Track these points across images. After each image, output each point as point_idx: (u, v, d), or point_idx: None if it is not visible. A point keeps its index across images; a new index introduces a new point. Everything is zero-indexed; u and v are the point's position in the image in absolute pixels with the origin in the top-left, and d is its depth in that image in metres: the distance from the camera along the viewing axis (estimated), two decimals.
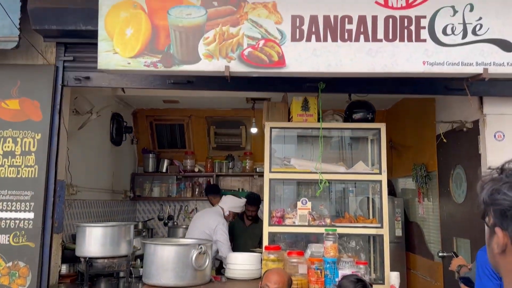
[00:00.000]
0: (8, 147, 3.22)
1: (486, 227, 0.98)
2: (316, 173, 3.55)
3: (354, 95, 3.71)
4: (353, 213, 3.89)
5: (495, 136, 3.37)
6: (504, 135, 3.36)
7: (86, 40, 3.21)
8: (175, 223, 6.51)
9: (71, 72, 3.35)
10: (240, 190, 6.62)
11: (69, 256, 3.61)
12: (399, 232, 5.09)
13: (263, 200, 5.73)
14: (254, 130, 6.05)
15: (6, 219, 3.17)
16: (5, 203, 3.18)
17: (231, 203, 4.66)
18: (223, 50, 2.83)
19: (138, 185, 6.49)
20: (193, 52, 2.85)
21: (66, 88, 3.38)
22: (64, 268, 3.53)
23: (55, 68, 3.32)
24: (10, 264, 3.15)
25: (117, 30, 2.83)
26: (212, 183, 6.53)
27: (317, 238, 3.60)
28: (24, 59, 3.35)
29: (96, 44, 2.91)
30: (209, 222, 4.44)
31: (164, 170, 6.55)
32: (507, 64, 2.79)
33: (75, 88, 3.50)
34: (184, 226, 5.93)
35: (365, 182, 3.79)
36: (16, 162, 3.21)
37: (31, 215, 3.18)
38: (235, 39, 2.83)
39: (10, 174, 3.20)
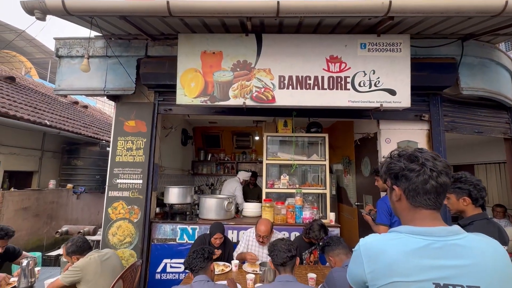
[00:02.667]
0: (129, 145, 3.22)
1: (387, 187, 0.92)
2: (291, 160, 3.53)
3: (311, 119, 3.69)
4: (310, 181, 3.85)
5: (385, 140, 3.34)
6: (390, 140, 3.33)
7: (169, 89, 3.20)
8: (214, 187, 6.44)
9: (162, 106, 3.34)
10: (250, 170, 6.52)
11: (160, 203, 3.60)
12: (334, 192, 5.06)
13: (259, 175, 5.77)
14: (257, 137, 6.05)
15: (127, 183, 3.17)
16: (127, 174, 3.18)
17: (243, 175, 4.62)
18: (242, 93, 2.80)
19: (195, 167, 6.41)
20: (226, 94, 2.81)
21: (159, 115, 3.37)
22: (157, 209, 3.52)
23: (153, 104, 3.32)
24: (129, 207, 3.14)
25: (186, 84, 2.81)
26: (234, 166, 6.51)
27: (290, 195, 3.58)
28: (137, 99, 3.35)
29: (174, 91, 2.88)
30: (231, 185, 4.41)
31: (209, 159, 6.49)
32: (392, 102, 2.74)
33: (163, 115, 3.49)
34: (218, 189, 5.88)
35: (317, 165, 3.74)
36: (133, 153, 3.20)
37: (140, 181, 3.17)
38: (248, 88, 2.80)
39: (129, 159, 3.20)
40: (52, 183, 5.40)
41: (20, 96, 5.63)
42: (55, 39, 3.29)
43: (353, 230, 4.31)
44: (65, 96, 7.81)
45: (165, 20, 2.68)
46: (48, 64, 12.86)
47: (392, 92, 2.73)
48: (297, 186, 3.53)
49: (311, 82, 2.73)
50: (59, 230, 3.34)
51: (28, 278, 2.25)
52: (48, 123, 4.99)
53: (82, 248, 2.21)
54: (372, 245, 0.78)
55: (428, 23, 2.67)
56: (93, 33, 3.07)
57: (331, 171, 5.45)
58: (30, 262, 2.28)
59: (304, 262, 2.67)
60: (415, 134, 3.27)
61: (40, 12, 2.31)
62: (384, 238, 0.79)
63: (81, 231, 3.38)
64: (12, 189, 4.74)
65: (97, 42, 3.23)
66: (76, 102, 8.38)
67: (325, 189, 3.47)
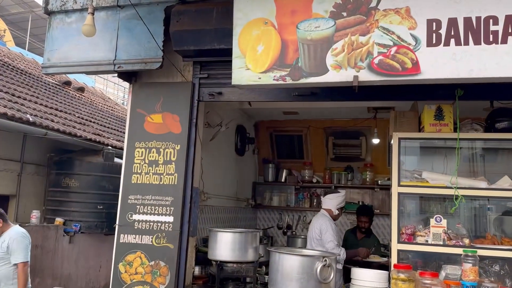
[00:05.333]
0: (153, 156, 3.59)
1: None
2: (451, 188, 3.31)
3: (496, 102, 3.41)
4: (494, 232, 3.53)
5: None
6: None
7: (219, 58, 3.44)
8: (294, 232, 6.55)
9: (206, 88, 3.61)
10: (360, 203, 6.44)
11: (201, 258, 3.86)
12: None
13: (380, 213, 5.56)
14: (376, 140, 5.90)
15: (150, 221, 3.53)
16: (149, 207, 3.55)
17: (334, 201, 4.56)
18: (352, 59, 2.79)
19: (258, 194, 6.71)
20: (321, 64, 2.84)
21: (201, 103, 3.65)
22: (197, 270, 3.78)
23: (192, 85, 3.62)
24: (152, 263, 3.48)
25: (249, 47, 2.95)
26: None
27: (448, 259, 3.34)
28: (166, 77, 3.71)
29: (227, 62, 3.08)
30: (313, 225, 4.48)
31: (283, 180, 6.69)
32: None
33: (208, 103, 3.75)
34: (302, 236, 5.98)
35: (510, 199, 3.41)
36: (159, 170, 3.56)
37: (170, 218, 3.48)
38: (365, 48, 2.77)
39: (154, 181, 3.56)
40: (35, 215, 6.40)
41: None
42: None
43: None
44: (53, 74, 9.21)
45: None
46: (28, 22, 15.35)
47: None
48: (466, 241, 3.30)
49: (499, 28, 2.55)
50: None
51: None
52: (30, 119, 5.97)
53: None
54: None
55: None
56: None
57: None
58: None
59: None
60: None
61: None
62: None
63: None
64: None
65: None
66: (68, 83, 9.80)
67: None
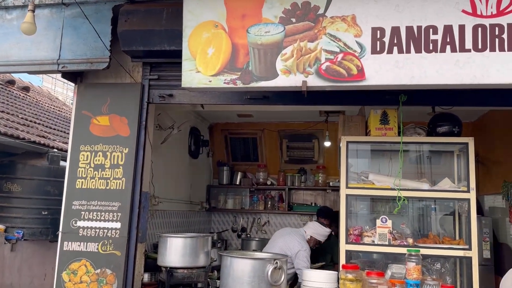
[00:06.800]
0: (99, 160, 3.51)
1: None
2: (395, 189, 3.43)
3: (437, 107, 3.56)
4: (436, 232, 3.71)
5: None
6: None
7: (170, 60, 3.41)
8: (248, 235, 6.58)
9: (156, 90, 3.57)
10: (313, 204, 6.57)
11: (150, 265, 3.79)
12: (487, 254, 4.79)
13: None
14: (327, 143, 6.01)
15: (95, 228, 3.44)
16: (95, 213, 3.46)
17: (316, 230, 4.53)
18: (301, 65, 2.84)
19: (213, 197, 6.68)
20: (271, 68, 2.87)
21: (151, 105, 3.60)
22: (146, 277, 3.71)
23: (141, 86, 3.57)
24: (98, 271, 3.39)
25: (200, 50, 2.95)
26: (284, 196, 6.57)
27: (396, 258, 3.45)
28: (113, 78, 3.64)
29: (178, 63, 3.06)
30: (292, 244, 4.30)
31: (237, 182, 6.70)
32: None
33: (159, 105, 3.70)
34: (257, 239, 6.06)
35: (450, 199, 3.59)
36: (106, 174, 3.48)
37: (118, 225, 3.41)
38: (313, 54, 2.83)
39: (100, 186, 3.48)
40: None
41: None
42: None
43: None
44: None
45: None
46: None
47: None
48: (411, 241, 3.43)
49: (439, 37, 2.67)
50: None
51: None
52: None
53: None
54: None
55: None
56: None
57: (480, 212, 5.15)
58: None
59: None
60: None
61: None
62: None
63: None
64: None
65: None
66: (12, 82, 9.35)
67: (470, 248, 3.31)
